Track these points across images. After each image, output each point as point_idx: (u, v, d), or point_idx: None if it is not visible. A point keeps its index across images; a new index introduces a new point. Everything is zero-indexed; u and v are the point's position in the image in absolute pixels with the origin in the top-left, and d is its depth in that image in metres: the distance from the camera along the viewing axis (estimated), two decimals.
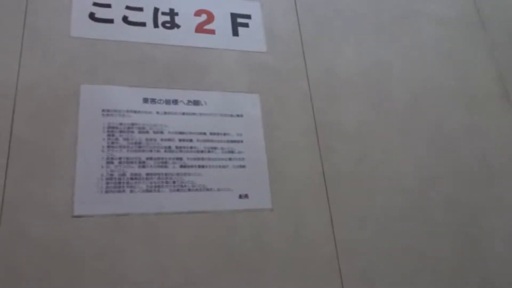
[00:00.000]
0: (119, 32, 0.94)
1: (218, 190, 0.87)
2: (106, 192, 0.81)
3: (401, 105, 1.08)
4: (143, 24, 0.96)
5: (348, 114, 1.03)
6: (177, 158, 0.87)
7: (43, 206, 0.78)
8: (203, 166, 0.88)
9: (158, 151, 0.86)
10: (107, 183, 0.82)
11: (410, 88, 1.11)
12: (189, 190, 0.85)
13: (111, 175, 0.82)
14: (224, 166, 0.89)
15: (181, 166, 0.86)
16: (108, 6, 0.95)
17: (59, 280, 0.74)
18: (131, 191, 0.82)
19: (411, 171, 1.02)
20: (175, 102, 0.92)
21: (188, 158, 0.87)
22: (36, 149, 0.81)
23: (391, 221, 0.96)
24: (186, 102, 0.92)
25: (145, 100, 0.90)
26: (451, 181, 1.03)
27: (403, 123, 1.06)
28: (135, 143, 0.86)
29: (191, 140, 0.89)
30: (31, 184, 0.79)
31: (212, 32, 1.01)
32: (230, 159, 0.90)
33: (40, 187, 0.79)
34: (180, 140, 0.89)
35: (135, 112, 0.88)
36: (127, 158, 0.84)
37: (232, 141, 0.92)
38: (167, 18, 0.99)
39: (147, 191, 0.83)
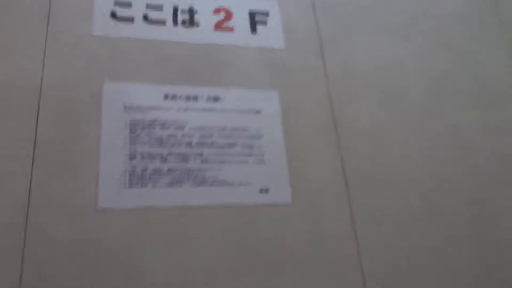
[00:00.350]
0: (140, 30, 0.96)
1: (239, 185, 0.87)
2: (129, 187, 0.82)
3: (417, 104, 1.07)
4: (163, 23, 0.98)
5: (366, 112, 1.03)
6: (198, 154, 0.88)
7: (68, 202, 0.79)
8: (224, 162, 0.88)
9: (179, 146, 0.87)
10: (130, 178, 0.83)
11: (427, 87, 1.10)
12: (211, 185, 0.86)
13: (134, 170, 0.83)
14: (244, 162, 0.90)
15: (202, 162, 0.87)
16: (129, 5, 0.97)
17: (82, 276, 0.75)
18: (154, 186, 0.83)
19: (429, 171, 1.01)
20: (195, 98, 0.93)
21: (209, 154, 0.88)
22: (61, 146, 0.83)
23: (409, 221, 0.95)
24: (206, 98, 0.93)
25: (166, 97, 0.91)
26: (469, 181, 1.02)
27: (420, 122, 1.06)
28: (157, 139, 0.87)
29: (211, 136, 0.90)
30: (56, 182, 0.80)
31: (230, 29, 1.02)
32: (250, 155, 0.91)
33: (65, 184, 0.80)
34: (200, 136, 0.89)
35: (156, 108, 0.89)
36: (149, 154, 0.85)
37: (252, 137, 0.93)
38: (187, 16, 1.00)
39: (169, 186, 0.84)
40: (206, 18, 1.01)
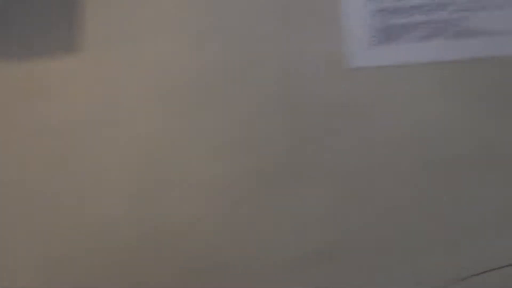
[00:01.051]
0: None
1: (501, 33, 0.77)
2: (376, 44, 0.79)
3: None
4: None
5: None
6: (449, 3, 0.78)
7: (316, 62, 0.81)
8: (481, 9, 0.78)
9: None
10: (376, 35, 0.79)
11: None
12: (467, 36, 0.77)
13: (379, 27, 0.79)
14: (501, 7, 0.77)
15: (455, 11, 0.78)
16: None
17: (318, 126, 0.79)
18: (402, 42, 0.78)
19: None
20: None
21: (462, 1, 0.78)
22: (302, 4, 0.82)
23: None
24: None
25: None
26: None
27: None
28: None
29: None
30: (304, 41, 0.81)
31: None
32: None
33: (312, 43, 0.81)
34: None
35: None
36: (393, 8, 0.80)
37: None
38: None
39: (419, 41, 0.78)
40: None
